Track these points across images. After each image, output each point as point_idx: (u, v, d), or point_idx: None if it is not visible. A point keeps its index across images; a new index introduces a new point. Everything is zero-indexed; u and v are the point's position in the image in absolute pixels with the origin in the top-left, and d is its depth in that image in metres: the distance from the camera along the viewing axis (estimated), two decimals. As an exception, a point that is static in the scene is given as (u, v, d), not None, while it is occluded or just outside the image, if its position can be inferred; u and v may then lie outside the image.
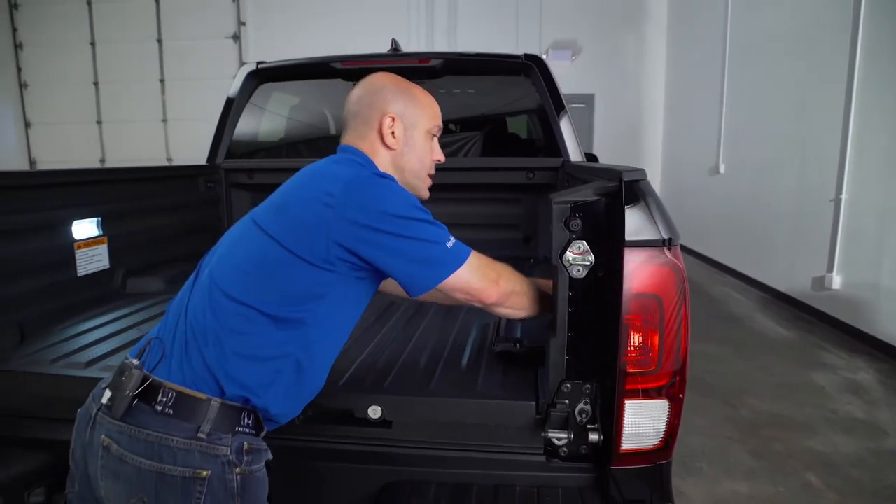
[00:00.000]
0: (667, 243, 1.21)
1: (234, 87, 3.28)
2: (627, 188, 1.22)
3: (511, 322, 1.93)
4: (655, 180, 10.42)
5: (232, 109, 3.25)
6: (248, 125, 3.35)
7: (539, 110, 3.17)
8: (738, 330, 5.34)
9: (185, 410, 1.13)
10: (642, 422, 1.27)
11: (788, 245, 6.04)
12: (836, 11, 5.22)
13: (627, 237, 1.19)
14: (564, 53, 9.87)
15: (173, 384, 1.15)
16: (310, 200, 1.21)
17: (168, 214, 2.84)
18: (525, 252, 3.19)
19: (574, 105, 9.91)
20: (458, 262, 1.24)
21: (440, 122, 1.47)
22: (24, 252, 2.04)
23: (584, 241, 1.31)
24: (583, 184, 1.48)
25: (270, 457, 1.25)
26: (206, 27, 10.38)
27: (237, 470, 1.15)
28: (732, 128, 7.48)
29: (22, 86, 11.04)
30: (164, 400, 1.13)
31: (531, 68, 3.05)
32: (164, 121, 10.77)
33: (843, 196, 5.06)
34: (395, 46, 3.43)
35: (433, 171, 1.48)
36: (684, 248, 8.35)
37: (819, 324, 5.36)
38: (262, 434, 1.25)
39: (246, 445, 1.18)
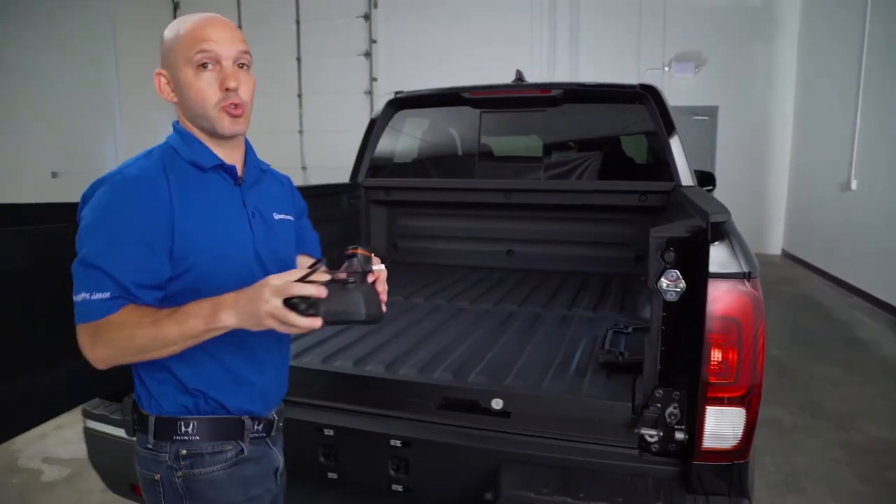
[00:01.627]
0: (746, 276, 1.45)
1: (374, 112, 3.74)
2: (713, 228, 1.46)
3: (616, 336, 2.20)
4: (782, 194, 10.04)
5: (373, 133, 3.71)
6: (385, 147, 3.79)
7: (652, 136, 3.38)
8: (862, 354, 5.17)
9: (141, 426, 1.30)
10: (722, 425, 1.51)
11: (924, 268, 5.75)
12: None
13: (711, 269, 1.45)
14: (687, 65, 9.76)
15: (137, 405, 1.33)
16: None
17: (317, 227, 3.31)
18: (635, 270, 3.39)
19: (697, 117, 9.76)
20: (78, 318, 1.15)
21: (202, 46, 1.20)
22: None
23: (676, 271, 1.56)
24: (685, 214, 1.74)
25: (230, 456, 1.29)
26: (339, 45, 11.20)
27: (178, 474, 1.27)
28: (866, 143, 7.14)
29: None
30: (133, 420, 1.34)
31: (646, 98, 3.26)
32: (301, 132, 11.72)
33: None
34: (519, 77, 3.76)
35: (229, 100, 1.25)
36: (809, 266, 7.92)
37: (954, 352, 5.10)
38: (221, 438, 1.29)
39: (183, 452, 1.26)
